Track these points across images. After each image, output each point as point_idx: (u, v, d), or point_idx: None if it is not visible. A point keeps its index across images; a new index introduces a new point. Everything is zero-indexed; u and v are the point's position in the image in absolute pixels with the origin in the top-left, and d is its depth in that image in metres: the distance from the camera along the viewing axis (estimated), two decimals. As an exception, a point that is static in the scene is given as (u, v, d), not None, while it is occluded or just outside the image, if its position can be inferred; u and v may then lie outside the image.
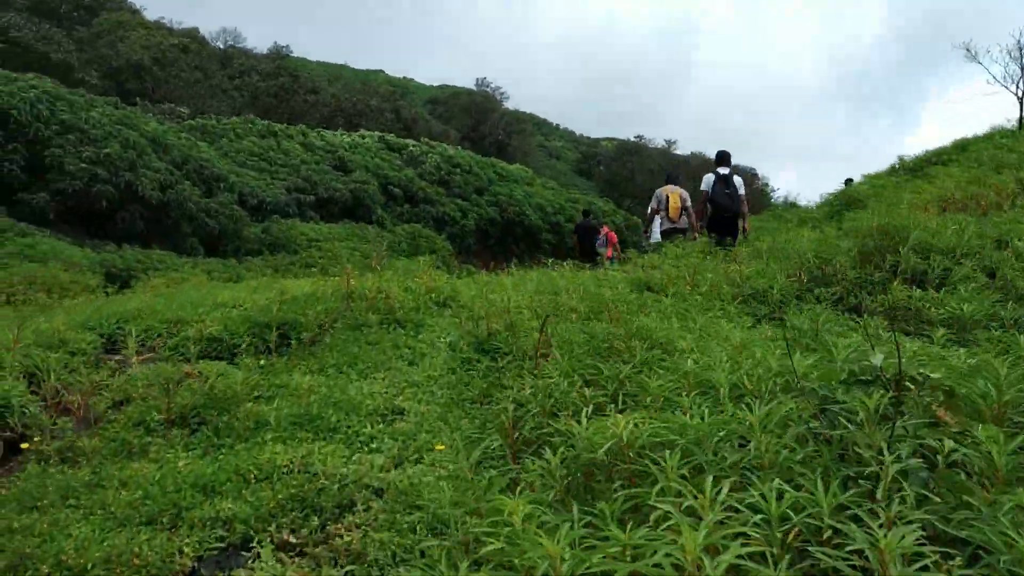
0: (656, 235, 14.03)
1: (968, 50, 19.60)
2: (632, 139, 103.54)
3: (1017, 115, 19.50)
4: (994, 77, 19.20)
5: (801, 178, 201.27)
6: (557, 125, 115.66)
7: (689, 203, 13.77)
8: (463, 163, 41.23)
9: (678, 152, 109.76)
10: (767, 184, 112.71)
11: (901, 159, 22.61)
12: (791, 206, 41.32)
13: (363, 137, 41.20)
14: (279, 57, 78.16)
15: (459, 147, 78.63)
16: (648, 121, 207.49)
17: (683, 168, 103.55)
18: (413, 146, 42.63)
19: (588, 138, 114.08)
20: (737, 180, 13.06)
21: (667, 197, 13.82)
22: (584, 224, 21.62)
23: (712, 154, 14.57)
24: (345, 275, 9.33)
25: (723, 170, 12.91)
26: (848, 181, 27.40)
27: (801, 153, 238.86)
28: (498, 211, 39.45)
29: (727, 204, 12.68)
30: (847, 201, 19.82)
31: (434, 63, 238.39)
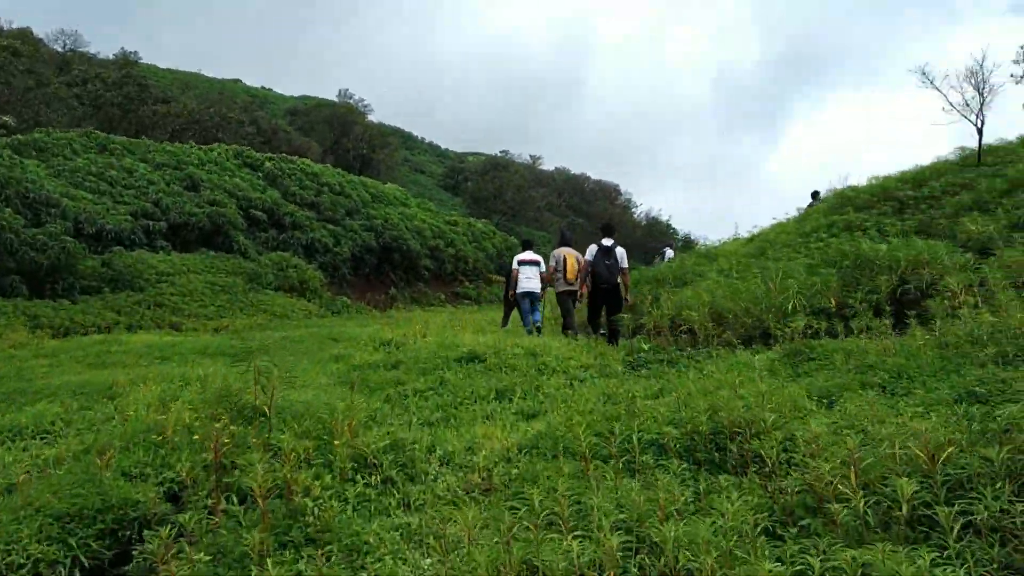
0: (521, 288, 15.62)
1: (924, 74, 17.34)
2: (498, 154, 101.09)
3: (976, 145, 17.30)
4: (951, 104, 16.87)
5: (676, 194, 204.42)
6: (422, 139, 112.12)
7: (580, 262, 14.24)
8: (332, 182, 37.07)
9: (544, 168, 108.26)
10: (630, 200, 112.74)
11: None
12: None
13: (213, 150, 36.45)
14: (126, 64, 71.59)
15: (324, 163, 74.97)
16: (528, 137, 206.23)
17: (548, 182, 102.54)
18: (270, 161, 38.17)
19: (454, 152, 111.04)
20: (620, 252, 13.63)
21: (564, 259, 14.36)
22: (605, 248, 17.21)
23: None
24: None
25: (607, 241, 13.57)
26: (815, 194, 25.83)
27: (676, 171, 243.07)
28: (374, 236, 35.63)
29: (605, 275, 13.28)
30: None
31: (298, 75, 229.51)
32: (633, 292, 14.75)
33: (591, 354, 12.15)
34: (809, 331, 10.40)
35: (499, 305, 33.57)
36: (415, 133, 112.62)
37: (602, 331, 13.68)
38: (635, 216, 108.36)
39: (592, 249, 13.57)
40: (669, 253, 27.67)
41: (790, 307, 10.95)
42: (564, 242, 15.15)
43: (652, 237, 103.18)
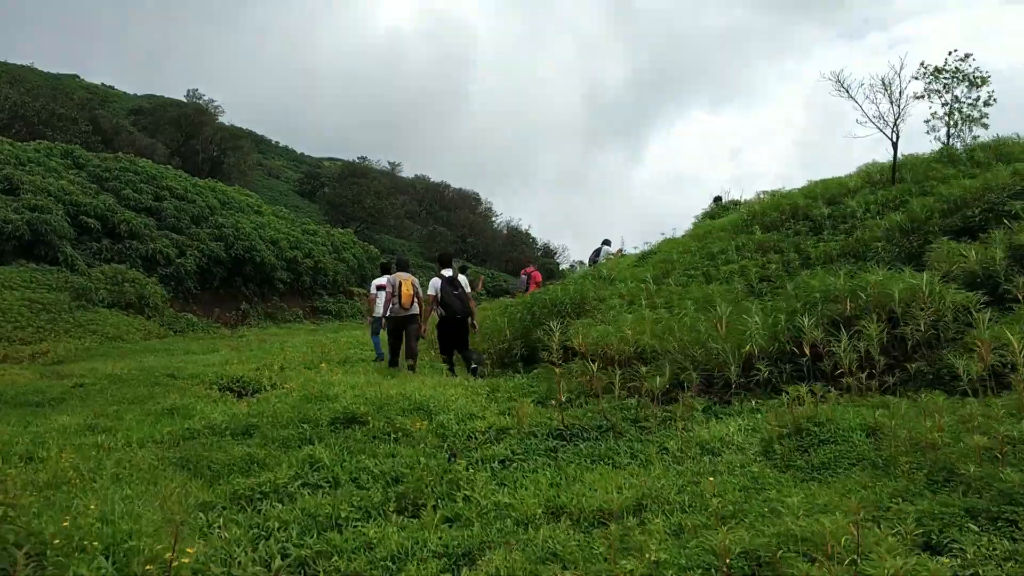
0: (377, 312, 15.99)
1: (839, 81, 15.78)
2: (356, 160, 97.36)
3: (891, 160, 15.89)
4: (867, 116, 15.37)
5: (542, 206, 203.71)
6: (276, 143, 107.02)
7: (420, 291, 14.09)
8: (175, 186, 33.07)
9: (403, 175, 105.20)
10: (490, 209, 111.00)
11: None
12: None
13: (38, 150, 31.94)
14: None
15: (168, 165, 69.66)
16: (404, 147, 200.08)
17: (408, 190, 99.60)
18: (98, 161, 33.87)
19: (310, 158, 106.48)
20: (463, 279, 14.15)
21: (400, 284, 13.96)
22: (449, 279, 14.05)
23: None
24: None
25: (447, 272, 13.64)
26: (718, 199, 25.74)
27: (544, 183, 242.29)
28: (223, 246, 32.03)
29: (458, 306, 13.35)
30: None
31: (144, 74, 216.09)
32: (522, 318, 14.66)
33: (495, 406, 9.82)
34: (773, 381, 8.40)
35: (363, 322, 30.92)
36: (269, 136, 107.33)
37: (474, 366, 13.45)
38: (496, 225, 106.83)
39: (436, 283, 13.49)
40: (608, 250, 25.83)
41: (744, 350, 8.91)
42: (400, 267, 14.66)
43: (513, 247, 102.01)
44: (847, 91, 15.86)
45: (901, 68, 15.51)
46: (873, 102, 15.83)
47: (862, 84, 15.86)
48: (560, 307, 15.09)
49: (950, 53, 17.45)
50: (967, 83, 17.55)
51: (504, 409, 9.54)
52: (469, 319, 13.80)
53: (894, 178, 15.77)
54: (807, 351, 8.26)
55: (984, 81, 17.42)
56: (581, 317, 14.70)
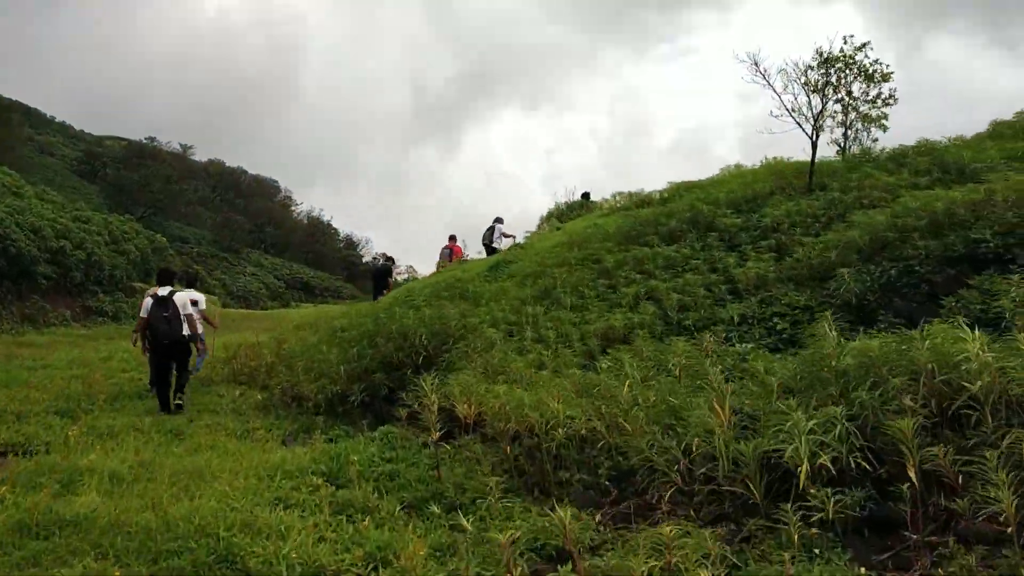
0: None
1: (756, 64, 12.76)
2: (144, 140, 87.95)
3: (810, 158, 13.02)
4: (786, 108, 12.44)
5: (359, 199, 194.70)
6: (52, 117, 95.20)
7: (193, 310, 12.53)
8: None
9: (196, 158, 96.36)
10: (290, 198, 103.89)
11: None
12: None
13: None
14: None
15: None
16: (230, 137, 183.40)
17: (200, 175, 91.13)
18: None
19: (90, 135, 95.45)
20: (180, 297, 11.85)
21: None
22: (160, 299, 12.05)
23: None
24: None
25: (163, 290, 11.79)
26: (586, 195, 24.00)
27: (362, 176, 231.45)
28: (-33, 235, 25.46)
29: (165, 330, 11.46)
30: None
31: None
32: (360, 352, 11.88)
33: (354, 534, 5.94)
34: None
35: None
36: (43, 110, 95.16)
37: (178, 402, 11.68)
38: (296, 215, 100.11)
39: (147, 303, 11.80)
40: (501, 228, 23.76)
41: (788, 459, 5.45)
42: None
43: (314, 238, 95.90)
44: (764, 76, 12.91)
45: (826, 58, 12.75)
46: (791, 93, 13.00)
47: (781, 70, 12.96)
48: (413, 343, 11.23)
49: (846, 40, 14.62)
50: (863, 76, 14.94)
51: (378, 546, 5.60)
52: (193, 343, 12.49)
53: (811, 184, 12.94)
54: (912, 474, 4.84)
55: (885, 77, 14.90)
56: (443, 355, 10.88)
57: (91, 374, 15.92)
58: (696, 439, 5.81)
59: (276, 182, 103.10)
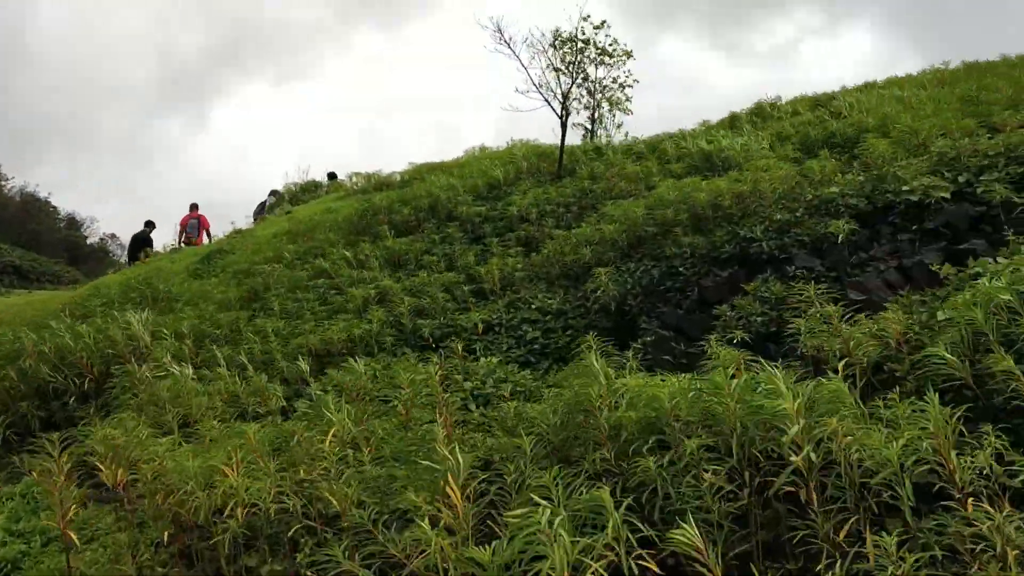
0: None
1: (499, 31, 11.08)
2: None
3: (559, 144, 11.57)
4: (534, 83, 10.91)
5: (87, 172, 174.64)
6: None
7: None
8: None
9: None
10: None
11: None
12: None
13: None
14: None
15: None
16: None
17: None
18: None
19: None
20: None
21: None
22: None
23: None
24: None
25: None
26: (332, 176, 21.91)
27: (94, 150, 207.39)
28: None
29: None
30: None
31: None
32: None
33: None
34: None
35: None
36: None
37: None
38: (7, 191, 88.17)
39: None
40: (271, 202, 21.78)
41: None
42: None
43: (29, 215, 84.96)
44: (508, 44, 11.28)
45: (566, 39, 11.32)
46: (538, 67, 11.48)
47: (527, 39, 11.38)
48: (76, 365, 8.65)
49: (585, 18, 13.29)
50: (603, 54, 13.73)
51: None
52: None
53: (560, 170, 11.51)
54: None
55: (627, 54, 13.80)
56: (111, 380, 8.37)
57: None
58: (417, 544, 3.93)
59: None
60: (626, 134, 13.42)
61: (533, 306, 8.50)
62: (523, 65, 11.30)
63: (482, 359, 7.80)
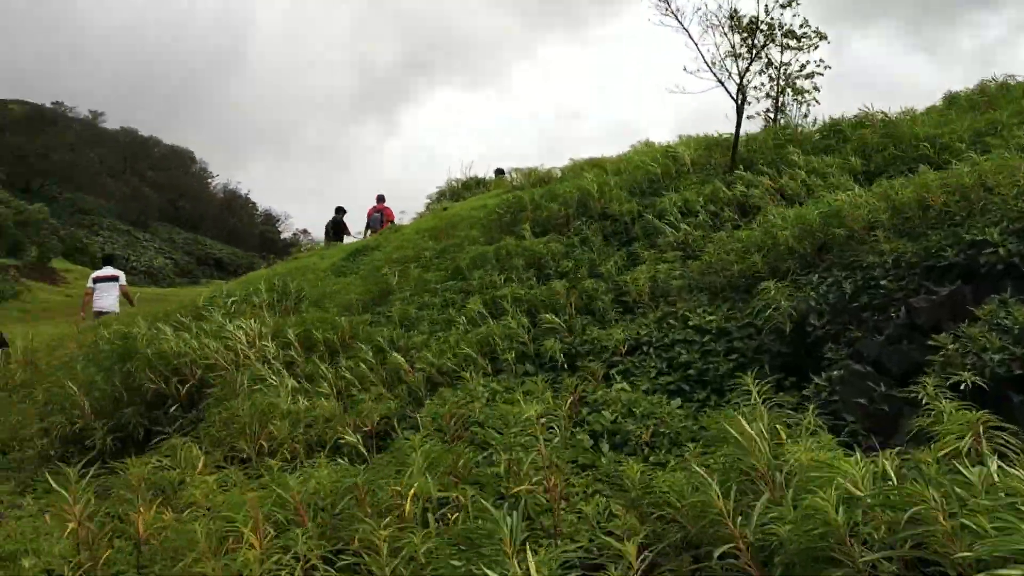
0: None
1: (667, 3, 9.51)
2: (49, 104, 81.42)
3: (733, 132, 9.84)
4: (705, 61, 9.27)
5: (298, 178, 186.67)
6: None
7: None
8: None
9: (106, 126, 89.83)
10: (206, 170, 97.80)
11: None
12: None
13: None
14: None
15: None
16: (156, 106, 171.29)
17: (110, 143, 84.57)
18: None
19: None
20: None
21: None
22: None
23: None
24: None
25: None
26: (499, 171, 20.68)
27: (302, 153, 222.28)
28: None
29: None
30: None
31: None
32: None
33: None
34: None
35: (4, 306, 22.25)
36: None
37: None
38: (212, 188, 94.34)
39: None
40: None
41: None
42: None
43: (231, 212, 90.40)
44: (675, 16, 9.69)
45: (761, 14, 9.57)
46: (712, 44, 9.83)
47: (698, 10, 9.74)
48: (179, 370, 7.88)
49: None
50: (793, 40, 11.86)
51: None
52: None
53: (734, 162, 9.77)
54: None
55: (822, 37, 11.86)
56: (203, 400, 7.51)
57: None
58: None
59: (192, 153, 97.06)
60: (813, 122, 11.44)
61: (689, 323, 6.90)
62: (693, 40, 9.65)
63: (622, 385, 6.31)
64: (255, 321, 8.34)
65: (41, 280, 32.84)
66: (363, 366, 7.11)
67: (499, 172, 21.57)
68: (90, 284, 14.34)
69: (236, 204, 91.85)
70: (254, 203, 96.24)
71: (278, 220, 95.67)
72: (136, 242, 65.70)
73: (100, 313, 13.52)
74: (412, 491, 4.14)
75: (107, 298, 13.92)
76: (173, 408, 7.74)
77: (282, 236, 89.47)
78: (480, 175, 22.54)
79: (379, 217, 20.05)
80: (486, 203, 14.21)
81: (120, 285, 14.18)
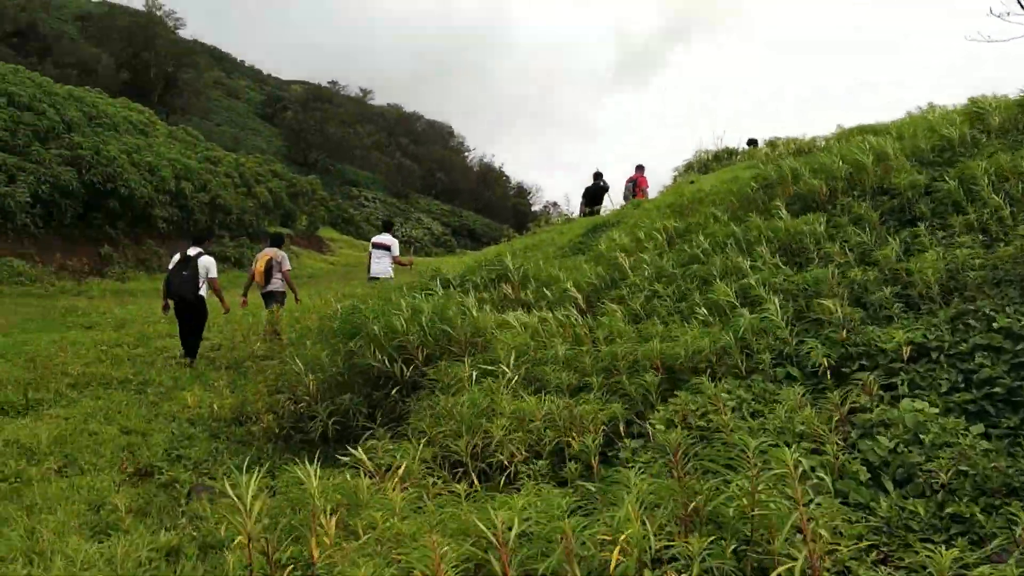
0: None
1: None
2: (325, 84, 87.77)
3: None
4: (1018, 2, 7.38)
5: (547, 148, 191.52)
6: (242, 61, 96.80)
7: (284, 265, 12.91)
8: (19, 92, 24.08)
9: (374, 102, 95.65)
10: (463, 143, 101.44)
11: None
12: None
13: None
14: None
15: (121, 80, 60.08)
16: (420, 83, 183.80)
17: (377, 119, 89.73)
18: None
19: (276, 79, 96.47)
20: (204, 261, 11.29)
21: (257, 259, 13.16)
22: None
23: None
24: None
25: (192, 250, 11.42)
26: (752, 142, 19.42)
27: (556, 124, 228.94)
28: (75, 173, 23.70)
29: (176, 288, 11.15)
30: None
31: None
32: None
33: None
34: None
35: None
36: (233, 54, 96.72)
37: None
38: (468, 161, 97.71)
39: (174, 259, 11.50)
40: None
41: None
42: (274, 243, 13.51)
43: (485, 185, 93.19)
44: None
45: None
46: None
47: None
48: (406, 349, 7.45)
49: None
50: None
51: None
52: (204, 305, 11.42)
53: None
54: None
55: None
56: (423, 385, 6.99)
57: (122, 339, 13.17)
58: None
59: (451, 127, 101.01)
60: None
61: (995, 326, 5.41)
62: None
63: (906, 402, 5.02)
64: (483, 297, 7.75)
65: (309, 248, 35.06)
66: (587, 360, 6.25)
67: (752, 143, 19.96)
68: (370, 248, 14.52)
69: (490, 177, 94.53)
70: (507, 176, 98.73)
71: (529, 192, 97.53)
72: (399, 212, 69.17)
73: (374, 279, 13.59)
74: (623, 539, 3.24)
75: (380, 263, 14.00)
76: (395, 390, 7.30)
77: (532, 208, 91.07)
78: (732, 146, 20.98)
79: (631, 185, 19.02)
80: (737, 175, 12.88)
81: (392, 256, 14.11)
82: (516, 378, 6.20)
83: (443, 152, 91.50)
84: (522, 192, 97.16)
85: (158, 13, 75.99)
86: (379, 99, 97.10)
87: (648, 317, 6.82)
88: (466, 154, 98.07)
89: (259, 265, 12.86)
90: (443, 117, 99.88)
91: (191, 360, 11.16)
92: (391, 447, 5.18)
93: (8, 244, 22.41)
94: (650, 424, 5.24)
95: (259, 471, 3.81)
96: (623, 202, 18.09)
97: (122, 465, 6.80)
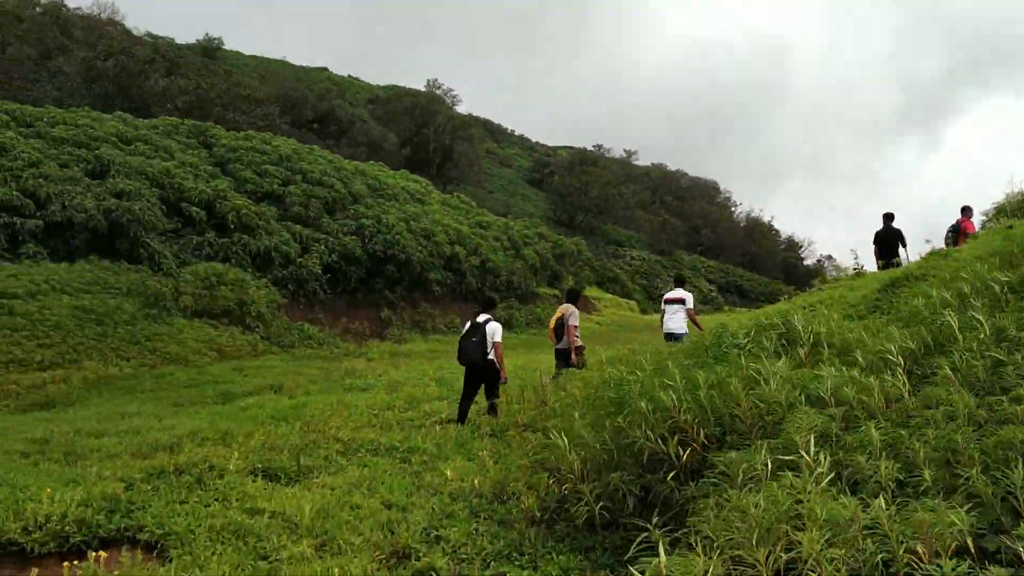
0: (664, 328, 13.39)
1: None
2: (590, 148, 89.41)
3: None
4: None
5: (822, 202, 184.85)
6: (512, 131, 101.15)
7: (570, 321, 12.51)
8: (310, 168, 26.08)
9: (638, 163, 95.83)
10: (729, 199, 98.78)
11: None
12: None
13: (155, 127, 26.12)
14: (207, 51, 63.94)
15: (404, 155, 65.18)
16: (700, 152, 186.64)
17: (641, 179, 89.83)
18: (227, 140, 27.72)
19: (543, 146, 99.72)
20: (492, 328, 11.06)
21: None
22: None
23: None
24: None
25: (481, 317, 11.23)
26: None
27: (833, 178, 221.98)
28: (359, 242, 25.07)
29: (471, 355, 10.94)
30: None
31: (388, 65, 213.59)
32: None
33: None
34: None
35: (542, 334, 23.42)
36: (507, 126, 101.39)
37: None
38: (735, 216, 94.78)
39: (466, 326, 11.33)
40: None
41: None
42: (568, 299, 13.59)
43: (752, 239, 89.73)
44: None
45: None
46: None
47: None
48: (680, 429, 6.42)
49: None
50: None
51: None
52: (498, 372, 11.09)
53: None
54: None
55: None
56: (723, 455, 5.85)
57: (393, 402, 13.26)
58: None
59: (716, 183, 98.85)
60: None
61: None
62: None
63: None
64: (780, 366, 6.55)
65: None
66: (918, 447, 4.87)
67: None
68: (663, 305, 13.94)
69: (758, 231, 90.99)
70: (776, 230, 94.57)
71: (800, 246, 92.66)
72: (662, 270, 68.14)
73: (670, 336, 12.86)
74: None
75: (675, 320, 13.34)
76: (670, 476, 6.26)
77: (804, 262, 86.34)
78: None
79: (951, 235, 16.14)
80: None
81: (687, 309, 13.36)
82: (822, 470, 4.95)
83: (708, 208, 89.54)
84: (792, 245, 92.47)
85: (437, 92, 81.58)
86: (643, 159, 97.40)
87: (990, 393, 5.30)
88: (732, 209, 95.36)
89: (552, 322, 12.73)
90: (708, 173, 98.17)
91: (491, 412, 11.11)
92: (677, 559, 4.16)
93: (301, 310, 24.05)
94: (1019, 538, 3.83)
95: None
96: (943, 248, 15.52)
97: (375, 553, 6.30)
